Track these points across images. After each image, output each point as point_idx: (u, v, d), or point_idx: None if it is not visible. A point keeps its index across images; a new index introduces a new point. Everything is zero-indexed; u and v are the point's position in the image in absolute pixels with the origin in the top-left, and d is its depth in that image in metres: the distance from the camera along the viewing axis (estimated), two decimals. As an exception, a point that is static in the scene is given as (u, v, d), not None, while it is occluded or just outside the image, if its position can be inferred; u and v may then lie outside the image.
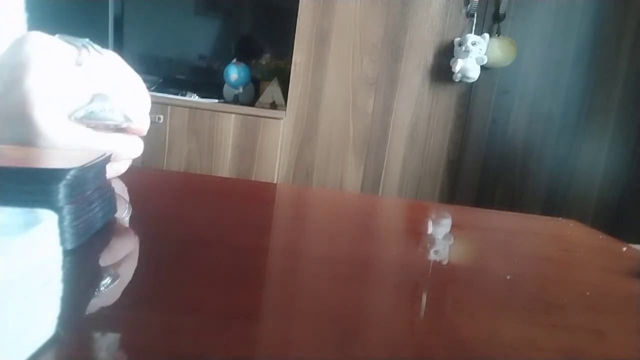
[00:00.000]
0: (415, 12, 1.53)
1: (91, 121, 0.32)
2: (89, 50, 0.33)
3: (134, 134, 0.37)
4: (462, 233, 0.42)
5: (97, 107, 0.32)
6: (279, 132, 1.52)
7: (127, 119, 0.34)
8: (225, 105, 1.55)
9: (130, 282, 0.22)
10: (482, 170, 1.62)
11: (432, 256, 0.33)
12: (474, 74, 1.49)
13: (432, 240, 0.37)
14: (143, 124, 0.37)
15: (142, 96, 0.37)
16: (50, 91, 0.30)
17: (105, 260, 0.24)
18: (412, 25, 1.54)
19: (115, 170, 0.37)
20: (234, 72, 1.64)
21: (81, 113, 0.31)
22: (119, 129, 0.35)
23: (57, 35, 0.33)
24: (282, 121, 1.53)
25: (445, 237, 0.39)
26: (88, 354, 0.16)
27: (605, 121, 1.59)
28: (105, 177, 0.30)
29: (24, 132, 0.30)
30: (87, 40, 0.34)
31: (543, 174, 1.62)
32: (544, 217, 0.51)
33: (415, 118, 1.58)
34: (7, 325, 0.13)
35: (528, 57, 1.55)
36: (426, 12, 1.53)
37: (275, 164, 1.54)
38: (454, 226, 0.44)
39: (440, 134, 1.59)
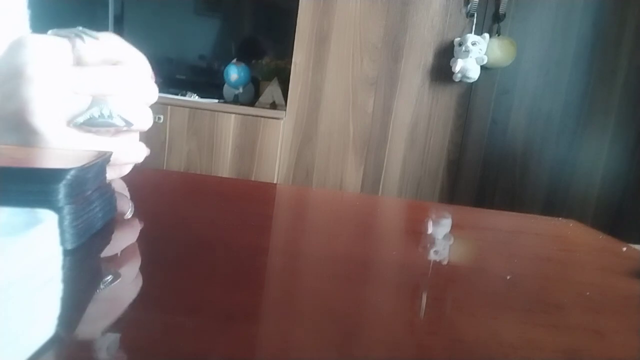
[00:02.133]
0: (415, 12, 1.53)
1: (91, 127, 0.31)
2: (83, 40, 0.32)
3: (136, 131, 0.36)
4: (462, 233, 0.42)
5: (95, 112, 0.31)
6: (279, 132, 1.52)
7: (128, 123, 0.33)
8: (225, 105, 1.55)
9: (130, 282, 0.22)
10: (482, 170, 1.62)
11: (432, 256, 0.33)
12: (474, 74, 1.49)
13: (432, 240, 0.37)
14: (144, 121, 0.35)
15: (145, 87, 0.35)
16: (49, 98, 0.30)
17: (105, 260, 0.24)
18: (412, 25, 1.54)
19: (118, 172, 0.37)
20: (234, 72, 1.65)
21: (80, 120, 0.31)
22: (120, 131, 0.34)
23: (50, 32, 0.32)
24: (282, 121, 1.53)
25: (445, 237, 0.39)
26: (88, 354, 0.16)
27: (605, 121, 1.59)
28: (105, 177, 0.30)
29: (25, 141, 0.29)
30: (80, 28, 0.32)
31: (543, 174, 1.62)
32: (544, 217, 0.51)
33: (415, 118, 1.58)
34: (7, 325, 0.13)
35: (528, 57, 1.55)
36: (426, 12, 1.53)
37: (275, 164, 1.54)
38: (454, 226, 0.44)
39: (440, 134, 1.60)
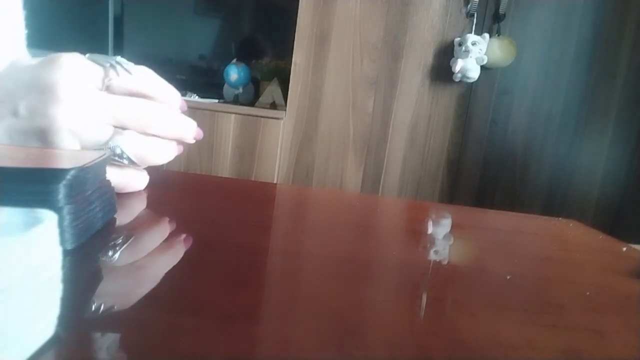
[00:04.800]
0: (415, 12, 1.53)
1: None
2: (117, 72, 0.32)
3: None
4: (462, 233, 0.42)
5: (111, 145, 0.32)
6: (279, 132, 1.52)
7: (134, 164, 0.34)
8: (225, 105, 1.55)
9: (130, 282, 0.22)
10: (482, 170, 1.62)
11: (432, 256, 0.33)
12: (474, 74, 1.49)
13: (432, 240, 0.37)
14: (159, 158, 0.36)
15: (168, 122, 0.35)
16: (75, 122, 0.30)
17: (105, 260, 0.24)
18: (412, 25, 1.54)
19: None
20: (234, 72, 1.65)
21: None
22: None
23: (87, 55, 0.32)
24: (282, 121, 1.53)
25: (445, 237, 0.39)
26: (88, 354, 0.16)
27: (605, 121, 1.59)
28: (106, 177, 0.30)
29: None
30: (118, 58, 0.33)
31: (543, 174, 1.62)
32: (544, 217, 0.51)
33: (415, 118, 1.58)
34: (7, 325, 0.13)
35: (528, 57, 1.55)
36: (426, 12, 1.53)
37: (275, 164, 1.54)
38: (454, 226, 0.44)
39: (440, 134, 1.60)
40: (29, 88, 0.30)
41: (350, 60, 1.55)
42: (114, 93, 0.33)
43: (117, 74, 0.32)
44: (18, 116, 0.30)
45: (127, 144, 0.33)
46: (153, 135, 0.35)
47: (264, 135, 1.51)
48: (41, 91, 0.29)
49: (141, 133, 0.34)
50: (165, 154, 0.36)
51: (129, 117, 0.33)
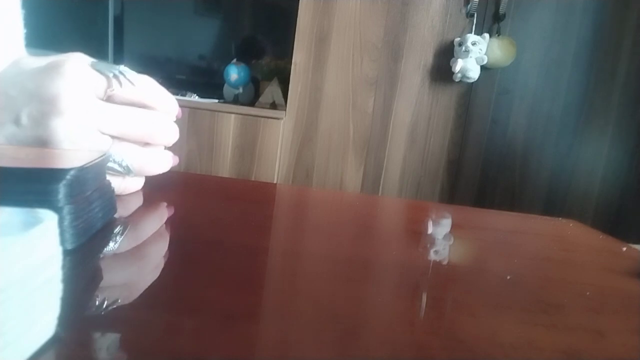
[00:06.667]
0: (415, 12, 1.53)
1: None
2: (120, 82, 0.32)
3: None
4: (462, 233, 0.42)
5: (111, 155, 0.33)
6: (279, 132, 1.52)
7: (130, 173, 0.35)
8: (225, 105, 1.55)
9: (130, 282, 0.22)
10: (482, 170, 1.62)
11: (432, 256, 0.33)
12: (474, 74, 1.49)
13: (432, 240, 0.37)
14: (155, 167, 0.37)
15: (164, 133, 0.36)
16: (76, 134, 0.30)
17: (105, 260, 0.24)
18: (412, 25, 1.54)
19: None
20: (234, 72, 1.65)
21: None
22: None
23: (91, 63, 0.32)
24: (282, 121, 1.53)
25: (445, 237, 0.39)
26: (88, 354, 0.16)
27: (605, 121, 1.59)
28: (105, 177, 0.30)
29: None
30: (122, 67, 0.33)
31: (543, 174, 1.62)
32: (544, 217, 0.51)
33: (415, 118, 1.59)
34: (6, 325, 0.13)
35: (528, 57, 1.55)
36: (426, 12, 1.53)
37: (275, 164, 1.54)
38: (454, 226, 0.44)
39: (440, 134, 1.60)
40: (31, 96, 0.30)
41: (350, 60, 1.55)
42: (115, 103, 0.33)
43: (120, 85, 0.32)
44: (20, 125, 0.30)
45: (127, 154, 0.34)
46: (152, 145, 0.36)
47: (264, 135, 1.51)
48: (44, 101, 0.29)
49: (141, 143, 0.35)
50: (163, 164, 0.38)
51: (130, 128, 0.33)
